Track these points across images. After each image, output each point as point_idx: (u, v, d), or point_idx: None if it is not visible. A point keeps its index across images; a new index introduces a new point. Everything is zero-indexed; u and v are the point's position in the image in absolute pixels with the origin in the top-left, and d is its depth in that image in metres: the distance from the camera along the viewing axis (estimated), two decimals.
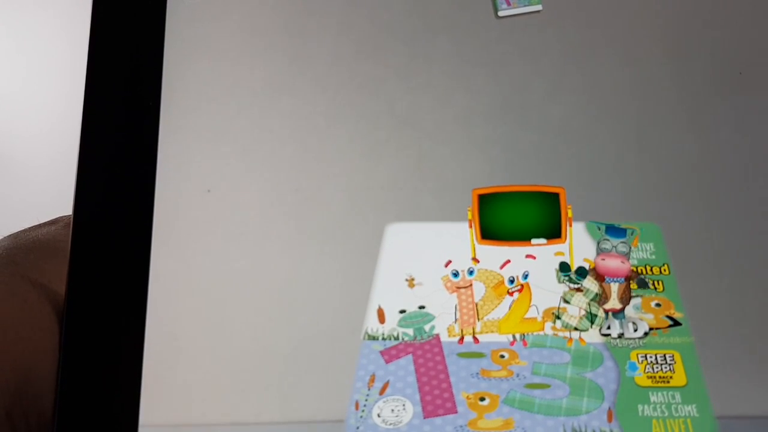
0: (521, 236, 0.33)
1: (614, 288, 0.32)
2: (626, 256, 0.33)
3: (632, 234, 0.33)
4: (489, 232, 0.33)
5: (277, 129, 0.35)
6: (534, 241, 0.33)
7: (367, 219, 0.33)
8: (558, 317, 0.32)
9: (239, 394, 0.31)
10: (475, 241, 0.33)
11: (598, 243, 0.33)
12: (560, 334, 0.32)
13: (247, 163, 0.34)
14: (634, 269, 0.33)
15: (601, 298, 0.32)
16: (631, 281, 0.32)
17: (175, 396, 0.31)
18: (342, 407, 0.31)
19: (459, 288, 0.32)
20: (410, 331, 0.32)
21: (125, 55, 0.34)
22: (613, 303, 0.32)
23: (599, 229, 0.33)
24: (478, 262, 0.32)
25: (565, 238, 0.33)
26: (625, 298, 0.32)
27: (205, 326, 0.32)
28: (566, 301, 0.32)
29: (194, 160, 0.34)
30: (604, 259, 0.33)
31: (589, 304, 0.31)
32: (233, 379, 0.31)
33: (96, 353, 0.30)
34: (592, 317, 0.31)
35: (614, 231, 0.33)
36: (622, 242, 0.33)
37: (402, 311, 0.32)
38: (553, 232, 0.33)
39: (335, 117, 0.35)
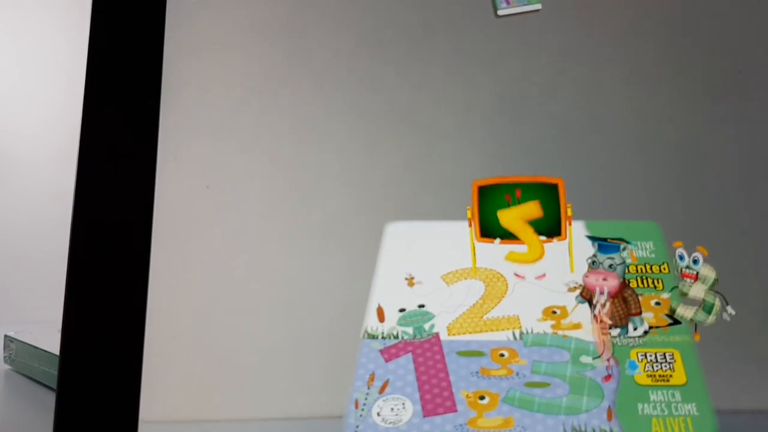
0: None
1: (602, 301, 0.32)
2: (613, 270, 0.32)
3: (623, 249, 0.33)
4: (488, 230, 0.33)
5: (276, 125, 0.35)
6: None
7: (366, 216, 0.33)
8: (674, 311, 0.31)
9: (239, 392, 0.31)
10: (474, 239, 0.33)
11: (588, 258, 0.33)
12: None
13: (246, 160, 0.34)
14: (625, 282, 0.32)
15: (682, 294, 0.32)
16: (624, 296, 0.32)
17: (175, 392, 0.31)
18: (341, 406, 0.31)
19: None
20: (410, 330, 0.32)
21: (125, 53, 0.34)
22: (603, 316, 0.32)
23: (593, 246, 0.33)
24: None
25: (565, 236, 0.33)
26: (615, 316, 0.32)
27: (205, 323, 0.32)
28: (684, 294, 0.31)
29: (193, 156, 0.34)
30: (587, 276, 0.33)
31: (706, 293, 0.31)
32: (233, 377, 0.31)
33: (96, 349, 0.30)
34: (708, 306, 0.30)
35: (605, 248, 0.33)
36: (609, 258, 0.33)
37: (402, 310, 0.32)
38: (553, 228, 0.33)
39: (334, 113, 0.35)
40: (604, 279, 0.32)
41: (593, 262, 0.32)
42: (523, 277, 0.32)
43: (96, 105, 0.33)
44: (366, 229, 0.33)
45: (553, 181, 0.33)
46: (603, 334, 0.31)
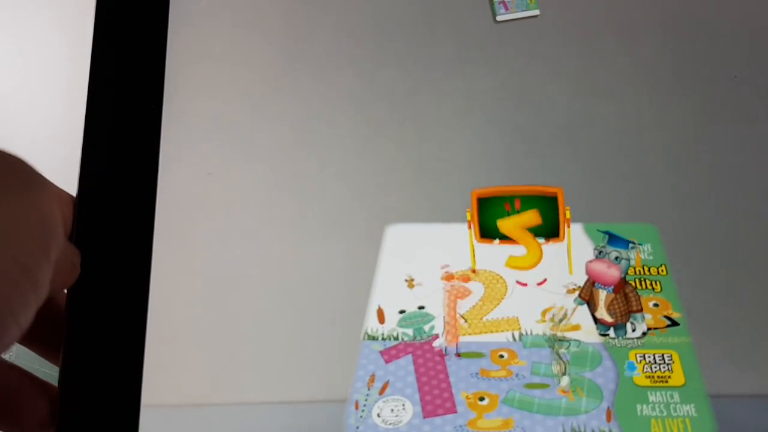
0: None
1: (602, 296, 0.32)
2: (618, 263, 0.33)
3: (632, 248, 0.33)
4: (487, 232, 0.33)
5: (276, 129, 0.35)
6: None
7: (366, 218, 0.33)
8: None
9: (239, 381, 0.31)
10: (474, 241, 0.33)
11: (596, 248, 0.33)
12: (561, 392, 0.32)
13: (247, 162, 0.34)
14: (625, 279, 0.33)
15: (592, 305, 0.32)
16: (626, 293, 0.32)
17: (176, 377, 0.31)
18: (341, 406, 0.31)
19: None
20: (410, 331, 0.32)
21: (129, 46, 0.34)
22: (602, 313, 0.32)
23: (603, 237, 0.33)
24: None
25: (563, 237, 0.33)
26: (616, 312, 0.32)
27: (206, 313, 0.32)
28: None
29: (195, 144, 0.34)
30: (591, 262, 0.33)
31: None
32: (233, 371, 0.31)
33: (99, 335, 0.30)
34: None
35: (615, 241, 0.33)
36: (616, 251, 0.33)
37: (402, 311, 0.32)
38: (552, 231, 0.33)
39: (334, 117, 0.35)
40: (608, 267, 0.32)
41: (600, 252, 0.33)
42: (525, 285, 0.33)
43: (99, 109, 0.34)
44: (366, 231, 0.33)
45: (551, 191, 0.34)
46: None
